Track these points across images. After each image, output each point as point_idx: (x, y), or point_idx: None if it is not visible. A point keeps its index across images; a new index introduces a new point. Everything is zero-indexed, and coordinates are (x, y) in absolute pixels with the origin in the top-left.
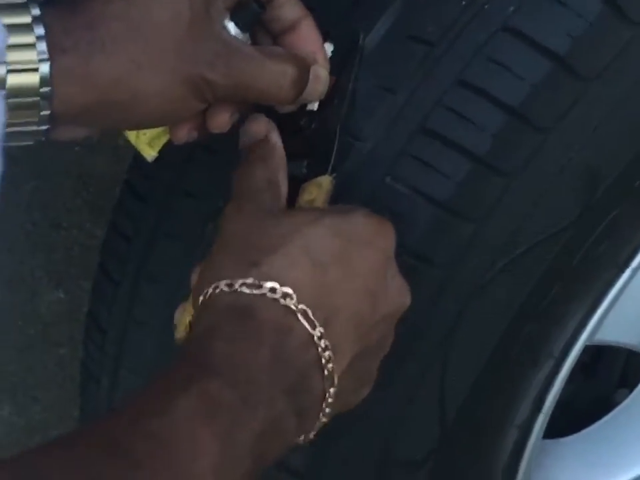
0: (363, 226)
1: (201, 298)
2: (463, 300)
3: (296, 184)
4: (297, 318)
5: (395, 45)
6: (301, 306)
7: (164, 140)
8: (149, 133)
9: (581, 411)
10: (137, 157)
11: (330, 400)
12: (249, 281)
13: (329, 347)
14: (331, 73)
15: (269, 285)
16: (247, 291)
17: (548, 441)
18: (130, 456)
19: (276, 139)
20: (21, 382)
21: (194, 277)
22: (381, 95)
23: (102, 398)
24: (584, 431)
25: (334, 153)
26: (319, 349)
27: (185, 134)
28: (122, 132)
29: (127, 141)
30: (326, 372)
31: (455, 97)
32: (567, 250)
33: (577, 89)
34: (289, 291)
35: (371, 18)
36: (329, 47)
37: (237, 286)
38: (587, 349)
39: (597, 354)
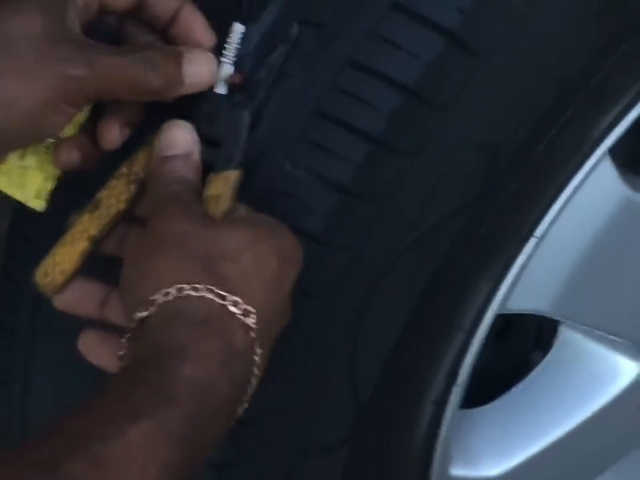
0: (289, 247)
1: (162, 298)
2: (371, 280)
3: (206, 171)
4: (251, 338)
5: (290, 31)
6: (256, 327)
7: (50, 187)
8: (33, 186)
9: (503, 379)
10: None
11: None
12: (214, 288)
13: (260, 367)
14: (254, 57)
15: (233, 298)
16: (212, 298)
17: (465, 412)
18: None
19: (197, 157)
20: None
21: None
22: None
23: (14, 403)
24: (498, 399)
25: (241, 144)
26: (255, 369)
27: (66, 155)
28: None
29: None
30: (254, 380)
31: (348, 79)
32: (471, 223)
33: (471, 64)
34: (251, 309)
35: (261, 3)
36: (239, 28)
37: (203, 292)
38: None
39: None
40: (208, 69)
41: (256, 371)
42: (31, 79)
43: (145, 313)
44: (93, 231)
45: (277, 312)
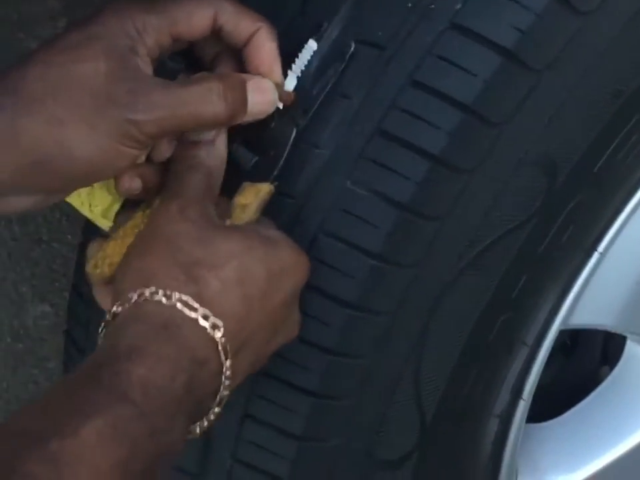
0: (286, 260)
1: (134, 297)
2: (433, 298)
3: (237, 174)
4: (217, 350)
5: (345, 49)
6: (223, 339)
7: (116, 207)
8: (100, 206)
9: (569, 393)
10: None
11: (216, 410)
12: (185, 298)
13: (231, 376)
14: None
15: (203, 311)
16: (180, 308)
17: (532, 426)
18: (22, 478)
19: (222, 145)
20: (14, 399)
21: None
22: (335, 101)
23: None
24: (565, 414)
25: (282, 160)
26: (223, 378)
27: (127, 183)
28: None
29: None
30: (219, 398)
31: (408, 98)
32: (532, 239)
33: (528, 81)
34: (219, 323)
35: (320, 24)
36: (312, 44)
37: (174, 300)
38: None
39: (576, 335)
40: (270, 98)
41: (226, 381)
42: (89, 127)
43: (118, 309)
44: (143, 227)
45: (260, 324)
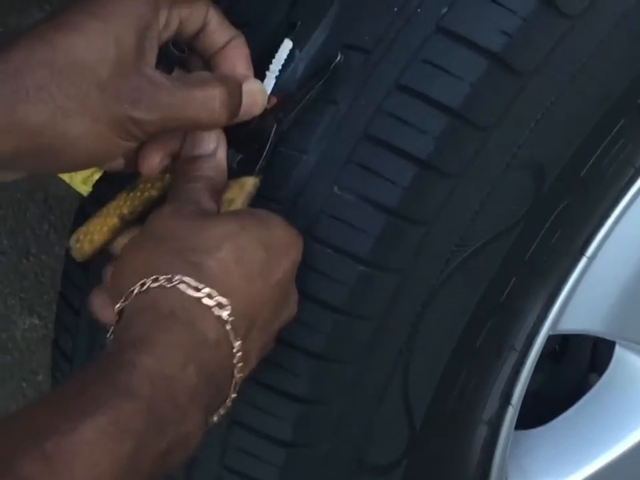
0: (281, 237)
1: (137, 290)
2: (420, 303)
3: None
4: (226, 331)
5: (331, 59)
6: (231, 319)
7: (96, 176)
8: (80, 175)
9: (557, 400)
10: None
11: (233, 396)
12: (188, 279)
13: (243, 358)
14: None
15: (207, 290)
16: (184, 290)
17: (521, 433)
18: (16, 477)
19: (222, 155)
20: (2, 412)
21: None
22: (322, 107)
23: None
24: (554, 420)
25: (264, 155)
26: (235, 360)
27: (119, 167)
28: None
29: None
30: (234, 381)
31: (394, 102)
32: (519, 244)
33: (515, 85)
34: (224, 301)
35: (307, 29)
36: (288, 44)
37: (176, 284)
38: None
39: (565, 341)
40: (261, 102)
41: (237, 362)
42: (93, 120)
43: (122, 306)
44: (125, 210)
45: (265, 303)
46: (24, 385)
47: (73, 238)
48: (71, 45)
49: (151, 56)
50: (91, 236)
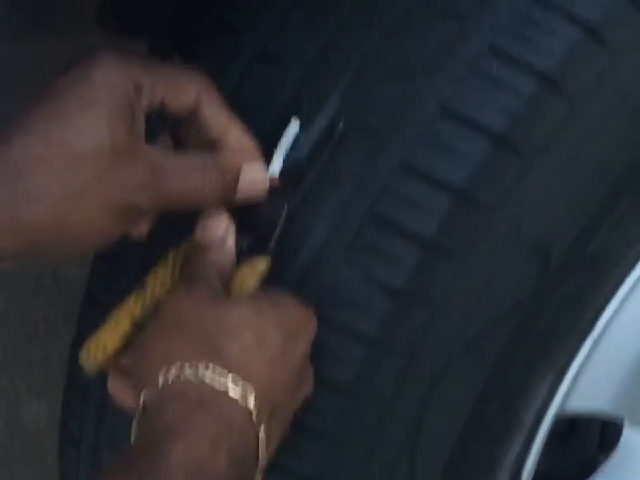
0: (296, 317)
1: (161, 380)
2: (427, 383)
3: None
4: (251, 417)
5: (335, 132)
6: (256, 405)
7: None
8: None
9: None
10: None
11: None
12: (212, 366)
13: (265, 441)
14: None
15: (231, 376)
16: (210, 380)
17: None
18: None
19: (231, 242)
20: None
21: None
22: (328, 186)
23: None
24: None
25: (274, 235)
26: (259, 444)
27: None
28: None
29: None
30: (259, 468)
31: (399, 182)
32: (526, 323)
33: (519, 165)
34: (250, 388)
35: (313, 109)
36: (295, 124)
37: (201, 371)
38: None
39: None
40: (262, 186)
41: (262, 445)
42: (97, 210)
43: (147, 397)
44: (137, 313)
45: (285, 384)
46: (32, 468)
47: (84, 351)
48: (64, 137)
49: (142, 132)
50: (103, 347)
